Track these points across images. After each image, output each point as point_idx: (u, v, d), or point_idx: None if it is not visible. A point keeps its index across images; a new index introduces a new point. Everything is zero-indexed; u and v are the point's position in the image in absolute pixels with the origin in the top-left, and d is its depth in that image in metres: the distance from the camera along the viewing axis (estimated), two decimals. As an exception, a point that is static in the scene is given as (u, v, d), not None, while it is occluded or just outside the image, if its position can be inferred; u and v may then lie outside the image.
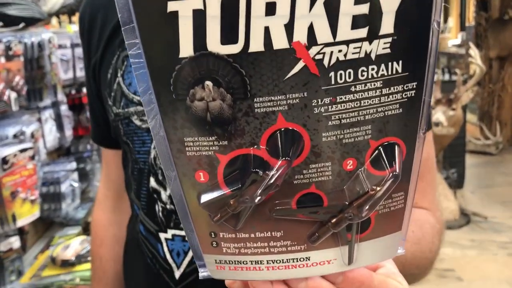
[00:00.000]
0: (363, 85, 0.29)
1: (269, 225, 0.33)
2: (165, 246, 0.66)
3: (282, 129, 0.29)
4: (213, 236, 0.34)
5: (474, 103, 5.05)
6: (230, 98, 0.29)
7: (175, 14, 0.27)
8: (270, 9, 0.27)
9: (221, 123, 0.29)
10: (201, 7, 0.27)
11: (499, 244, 3.16)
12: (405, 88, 0.30)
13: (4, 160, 1.35)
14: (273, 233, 0.33)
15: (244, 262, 0.34)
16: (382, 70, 0.29)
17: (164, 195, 0.65)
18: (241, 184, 0.31)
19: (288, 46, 0.28)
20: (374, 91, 0.29)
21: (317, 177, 0.31)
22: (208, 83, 0.29)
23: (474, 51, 3.61)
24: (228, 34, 0.27)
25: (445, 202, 3.27)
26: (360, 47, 0.28)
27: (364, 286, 0.35)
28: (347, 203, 0.32)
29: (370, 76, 0.29)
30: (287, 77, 0.28)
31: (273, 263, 0.34)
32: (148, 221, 0.67)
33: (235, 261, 0.35)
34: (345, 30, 0.28)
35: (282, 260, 0.34)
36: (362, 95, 0.29)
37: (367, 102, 0.30)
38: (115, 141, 0.72)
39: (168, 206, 0.65)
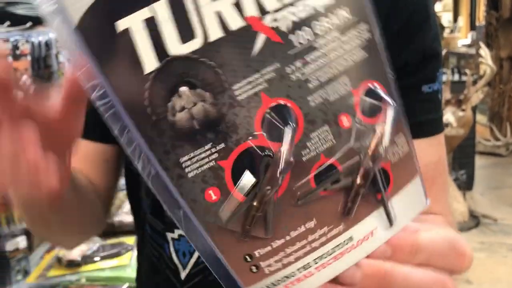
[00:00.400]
0: (323, 38, 0.30)
1: (299, 219, 0.31)
2: (172, 246, 0.65)
3: (270, 108, 0.29)
4: (249, 259, 0.30)
5: (484, 103, 5.00)
6: (209, 95, 0.28)
7: (126, 32, 0.26)
8: None
9: (211, 126, 0.28)
10: (150, 14, 0.26)
11: (508, 246, 3.13)
12: (359, 31, 0.31)
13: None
14: (306, 225, 0.31)
15: (292, 274, 0.31)
16: (334, 20, 0.30)
17: None
18: (256, 179, 0.29)
19: (244, 24, 0.28)
20: (335, 42, 0.30)
21: (322, 145, 0.31)
22: (183, 89, 0.27)
23: (484, 51, 3.58)
24: (185, 32, 0.27)
25: (454, 204, 3.25)
26: (307, 4, 0.29)
27: (414, 248, 0.33)
28: (361, 157, 0.31)
29: (326, 28, 0.30)
30: (254, 53, 0.28)
31: (321, 259, 0.32)
32: (155, 220, 0.67)
33: (283, 277, 0.31)
34: None
35: (328, 252, 0.32)
36: (326, 48, 0.30)
37: (334, 54, 0.30)
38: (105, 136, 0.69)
39: None
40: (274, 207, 0.30)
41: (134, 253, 1.66)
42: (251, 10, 0.28)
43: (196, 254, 0.64)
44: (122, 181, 0.81)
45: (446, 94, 3.28)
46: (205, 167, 0.28)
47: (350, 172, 0.31)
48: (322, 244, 0.31)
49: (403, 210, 0.34)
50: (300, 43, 0.29)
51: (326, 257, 0.32)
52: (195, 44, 0.27)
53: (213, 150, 0.28)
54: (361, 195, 0.32)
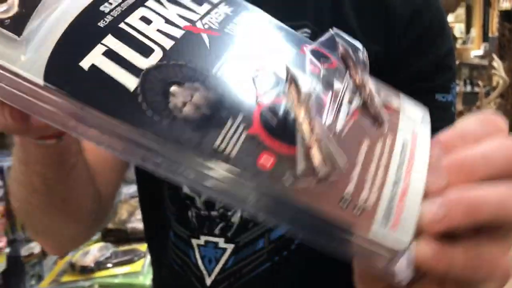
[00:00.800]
0: (244, 27, 0.35)
1: (353, 145, 0.31)
2: (197, 253, 0.66)
3: (254, 73, 0.32)
4: (345, 204, 0.28)
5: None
6: (198, 84, 0.29)
7: (93, 66, 0.28)
8: (146, 20, 0.31)
9: (218, 106, 0.29)
10: (105, 48, 0.29)
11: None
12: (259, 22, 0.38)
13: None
14: (363, 146, 0.31)
15: (392, 197, 0.29)
16: (240, 18, 0.36)
17: (198, 201, 0.64)
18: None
19: (184, 31, 0.32)
20: (252, 27, 0.36)
21: (317, 84, 0.33)
22: (174, 88, 0.28)
23: (497, 63, 3.57)
24: (143, 50, 0.30)
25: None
26: (217, 12, 0.35)
27: (458, 133, 0.32)
28: (352, 75, 0.34)
29: (239, 22, 0.36)
30: (208, 47, 0.32)
31: (400, 170, 0.30)
32: (179, 227, 0.67)
33: (387, 205, 0.29)
34: (198, 9, 0.34)
35: (399, 161, 0.31)
36: (252, 32, 0.36)
37: (260, 33, 0.36)
38: None
39: (202, 212, 0.64)
40: (327, 132, 0.30)
41: (147, 260, 1.67)
42: (182, 22, 0.32)
43: (222, 260, 0.64)
44: (134, 188, 0.80)
45: (459, 106, 3.27)
46: (241, 140, 0.28)
47: (355, 91, 0.33)
48: (389, 155, 0.31)
49: (415, 109, 0.36)
50: (234, 31, 0.34)
51: (403, 166, 0.31)
52: (157, 55, 0.30)
53: (236, 123, 0.28)
54: (377, 99, 0.33)
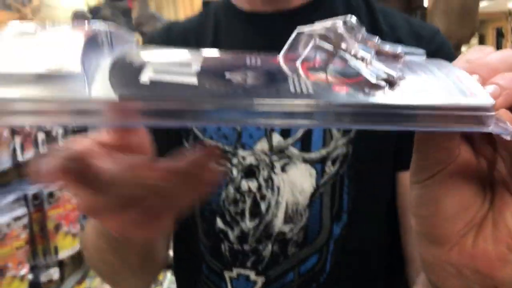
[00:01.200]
0: None
1: (390, 67, 0.34)
2: (229, 285, 0.67)
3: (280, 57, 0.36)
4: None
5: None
6: (244, 69, 0.33)
7: (153, 80, 0.31)
8: (166, 57, 0.36)
9: (271, 75, 0.33)
10: (151, 69, 0.32)
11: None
12: None
13: (51, 194, 1.39)
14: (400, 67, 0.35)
15: (453, 81, 0.32)
16: None
17: (231, 235, 0.66)
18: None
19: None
20: None
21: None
22: (228, 75, 0.32)
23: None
24: (183, 65, 0.34)
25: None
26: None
27: (468, 61, 0.34)
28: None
29: None
30: (230, 59, 0.37)
31: (441, 70, 0.34)
32: (213, 260, 0.69)
33: (454, 83, 0.32)
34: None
35: (435, 67, 0.35)
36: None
37: None
38: None
39: (235, 246, 0.66)
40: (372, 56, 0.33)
41: (164, 288, 1.67)
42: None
43: None
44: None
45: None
46: (309, 84, 0.31)
47: (363, 46, 0.35)
48: (424, 67, 0.35)
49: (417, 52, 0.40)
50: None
51: (442, 68, 0.35)
52: (196, 66, 0.34)
53: (296, 78, 0.32)
54: (384, 44, 0.36)
